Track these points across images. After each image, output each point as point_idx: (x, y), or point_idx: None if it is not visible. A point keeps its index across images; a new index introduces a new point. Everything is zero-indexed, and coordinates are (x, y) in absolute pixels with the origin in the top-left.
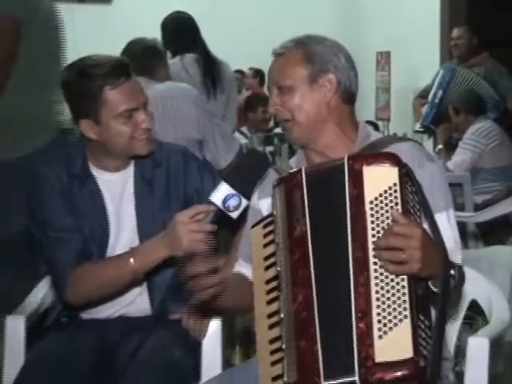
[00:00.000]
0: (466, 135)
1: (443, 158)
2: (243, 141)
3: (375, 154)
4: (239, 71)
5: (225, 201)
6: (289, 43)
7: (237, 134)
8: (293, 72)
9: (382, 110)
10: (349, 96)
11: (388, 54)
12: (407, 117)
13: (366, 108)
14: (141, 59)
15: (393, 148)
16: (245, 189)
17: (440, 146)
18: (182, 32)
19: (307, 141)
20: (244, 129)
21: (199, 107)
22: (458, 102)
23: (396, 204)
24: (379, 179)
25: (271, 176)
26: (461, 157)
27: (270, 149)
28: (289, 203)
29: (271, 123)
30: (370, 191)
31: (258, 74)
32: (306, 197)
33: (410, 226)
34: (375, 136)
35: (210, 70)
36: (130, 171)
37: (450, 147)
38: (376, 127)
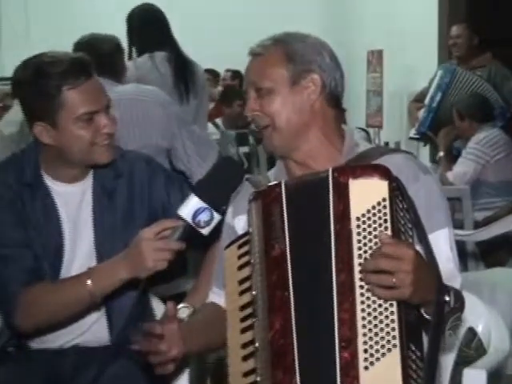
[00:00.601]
0: (469, 144)
1: (443, 167)
2: (215, 136)
3: (363, 165)
4: (211, 71)
5: (195, 215)
6: (267, 42)
7: (210, 126)
8: (272, 73)
9: (374, 116)
10: (334, 99)
11: (380, 52)
12: (401, 123)
13: (355, 113)
14: (102, 57)
15: (384, 160)
16: (217, 202)
17: (441, 154)
18: (151, 26)
19: (288, 149)
20: (218, 121)
21: (167, 111)
22: (462, 106)
23: (385, 221)
24: (367, 194)
25: (247, 190)
26: (463, 168)
27: (244, 149)
28: (266, 220)
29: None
30: (357, 207)
31: (236, 76)
32: (285, 213)
33: (401, 247)
34: (364, 146)
35: (183, 70)
36: (88, 182)
37: (452, 157)
38: (367, 135)
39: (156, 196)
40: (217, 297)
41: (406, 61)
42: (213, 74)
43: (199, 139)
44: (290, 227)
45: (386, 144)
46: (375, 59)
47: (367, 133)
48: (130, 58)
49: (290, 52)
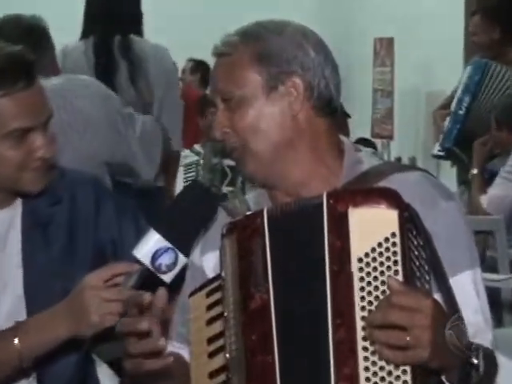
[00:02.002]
0: (509, 161)
1: (477, 188)
2: (195, 158)
3: (366, 190)
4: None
5: (155, 257)
6: (233, 38)
7: (188, 154)
8: (242, 78)
9: (382, 123)
10: (326, 104)
11: (390, 41)
12: (417, 133)
13: (357, 120)
14: (26, 44)
15: (392, 180)
16: (183, 240)
17: (474, 171)
18: (117, 5)
19: (269, 178)
20: (197, 146)
21: (109, 108)
22: (500, 111)
23: (395, 263)
24: (372, 227)
25: (221, 220)
26: (501, 191)
27: (228, 162)
28: (244, 260)
29: None
30: (359, 244)
31: (199, 67)
32: (268, 251)
33: (416, 296)
34: (368, 163)
35: (129, 59)
36: (16, 209)
37: (484, 179)
38: (373, 148)
39: (104, 229)
40: (180, 350)
41: (424, 52)
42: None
43: (150, 149)
44: (274, 270)
45: (398, 160)
46: (384, 49)
47: (372, 145)
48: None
49: (263, 50)
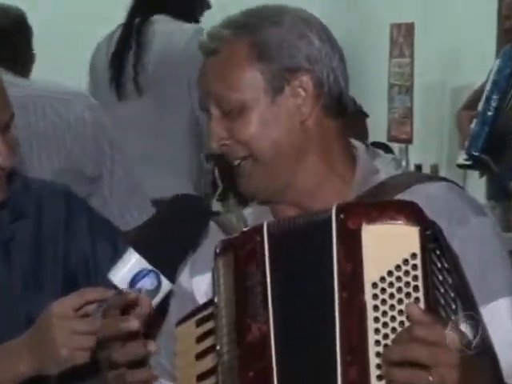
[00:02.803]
0: None
1: None
2: None
3: (382, 203)
4: None
5: (133, 282)
6: (224, 31)
7: None
8: (240, 80)
9: (399, 124)
10: (335, 101)
11: (410, 27)
12: (441, 136)
13: (371, 120)
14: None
15: (413, 193)
16: (168, 261)
17: None
18: None
19: (274, 191)
20: None
21: (97, 119)
22: None
23: (416, 289)
24: (388, 247)
25: (213, 237)
26: None
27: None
28: (241, 284)
29: None
30: (374, 267)
31: None
32: (268, 274)
33: (440, 328)
34: (385, 173)
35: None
36: None
37: None
38: (389, 153)
39: (76, 248)
40: None
41: (449, 40)
42: None
43: (129, 170)
44: (274, 297)
45: (418, 168)
46: (402, 37)
47: (389, 151)
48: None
49: (261, 43)
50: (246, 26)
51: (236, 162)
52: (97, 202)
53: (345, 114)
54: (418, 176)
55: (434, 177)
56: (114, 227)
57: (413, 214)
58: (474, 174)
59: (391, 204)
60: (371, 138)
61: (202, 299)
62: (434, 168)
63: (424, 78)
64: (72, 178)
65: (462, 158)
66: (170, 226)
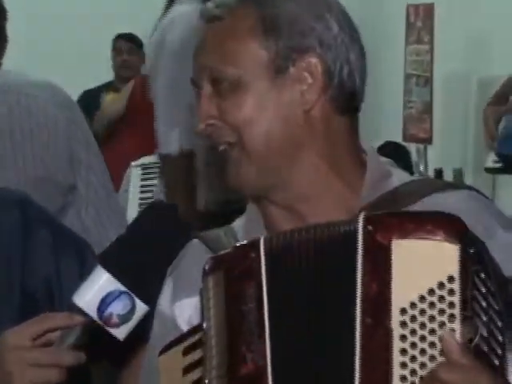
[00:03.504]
0: None
1: None
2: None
3: (418, 214)
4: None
5: (103, 305)
6: None
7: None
8: (240, 53)
9: (417, 121)
10: (347, 97)
11: (430, 8)
12: (465, 135)
13: (384, 116)
14: None
15: (430, 203)
16: (143, 281)
17: None
18: None
19: (265, 187)
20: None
21: (73, 120)
22: None
23: (451, 318)
24: (422, 267)
25: (196, 255)
26: None
27: None
28: (233, 308)
29: None
30: (403, 290)
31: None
32: (265, 297)
33: (481, 369)
34: (400, 178)
35: None
36: None
37: None
38: (405, 155)
39: (35, 266)
40: None
41: (476, 24)
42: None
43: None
44: (273, 324)
45: (439, 173)
46: (421, 20)
47: (405, 152)
48: None
49: (271, 16)
50: None
51: (221, 147)
52: (72, 215)
53: (357, 112)
54: (435, 183)
55: (454, 184)
56: (81, 241)
57: (454, 228)
58: (506, 180)
59: (429, 215)
60: (384, 137)
61: (185, 326)
62: (458, 173)
63: (446, 67)
64: (48, 188)
65: (490, 161)
66: (144, 241)
